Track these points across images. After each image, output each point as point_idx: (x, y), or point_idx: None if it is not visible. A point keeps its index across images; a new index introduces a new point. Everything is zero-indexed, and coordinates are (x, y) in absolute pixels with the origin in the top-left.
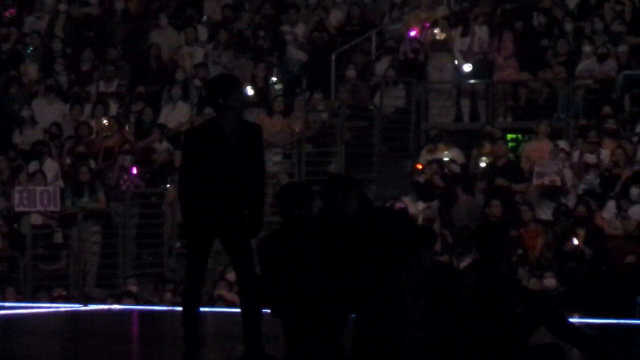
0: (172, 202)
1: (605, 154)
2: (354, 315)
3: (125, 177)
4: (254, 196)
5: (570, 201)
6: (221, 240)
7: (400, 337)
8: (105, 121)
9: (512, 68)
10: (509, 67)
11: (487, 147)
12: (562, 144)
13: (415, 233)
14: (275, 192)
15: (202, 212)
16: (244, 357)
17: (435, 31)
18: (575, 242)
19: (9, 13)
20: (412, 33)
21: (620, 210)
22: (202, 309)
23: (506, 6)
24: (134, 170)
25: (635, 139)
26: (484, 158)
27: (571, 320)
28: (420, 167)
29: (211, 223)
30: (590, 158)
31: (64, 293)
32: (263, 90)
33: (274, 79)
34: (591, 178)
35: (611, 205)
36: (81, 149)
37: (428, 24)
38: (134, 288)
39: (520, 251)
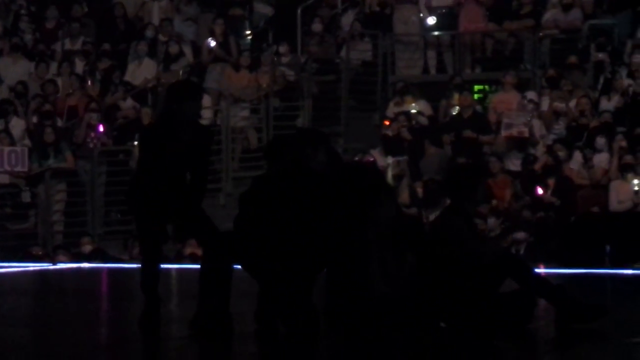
0: None
1: (572, 103)
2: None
3: (92, 134)
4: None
5: (539, 151)
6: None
7: (368, 291)
8: None
9: (482, 18)
10: (479, 17)
11: (457, 98)
12: (530, 94)
13: (370, 190)
14: (244, 148)
15: (151, 203)
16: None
17: None
18: (540, 191)
19: None
20: None
21: (587, 159)
22: (170, 266)
23: None
24: (101, 128)
25: (599, 87)
26: (457, 108)
27: (538, 270)
28: (387, 123)
29: (160, 212)
30: (560, 107)
31: (40, 252)
32: (224, 45)
33: (248, 32)
34: (560, 127)
35: (578, 155)
36: (48, 107)
37: None
38: (89, 247)
39: (494, 202)
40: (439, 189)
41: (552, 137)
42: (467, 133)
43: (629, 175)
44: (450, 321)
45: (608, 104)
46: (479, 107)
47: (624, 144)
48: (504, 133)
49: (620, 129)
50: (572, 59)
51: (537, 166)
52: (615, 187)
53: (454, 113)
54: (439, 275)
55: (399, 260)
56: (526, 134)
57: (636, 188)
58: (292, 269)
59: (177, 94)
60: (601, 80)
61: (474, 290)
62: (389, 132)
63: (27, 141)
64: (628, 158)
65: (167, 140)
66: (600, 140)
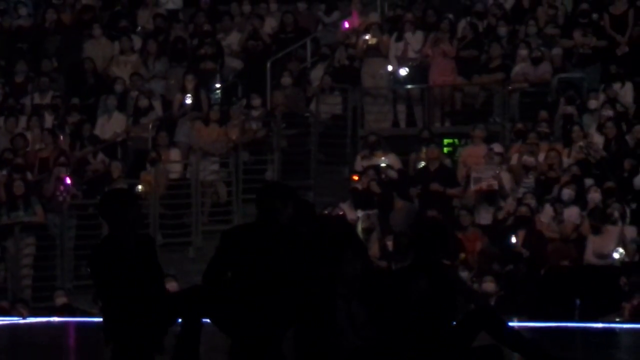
0: None
1: (541, 157)
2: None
3: (62, 188)
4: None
5: (509, 205)
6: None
7: (339, 344)
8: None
9: (451, 72)
10: (448, 71)
11: (424, 151)
12: (496, 146)
13: (335, 246)
14: (213, 201)
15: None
16: None
17: (367, 37)
18: (514, 239)
19: None
20: (346, 25)
21: (557, 213)
22: None
23: (446, 14)
24: (67, 180)
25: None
26: (422, 163)
27: (511, 324)
28: (356, 178)
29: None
30: (529, 161)
31: (7, 306)
32: (195, 99)
33: (218, 85)
34: (530, 181)
35: (548, 208)
36: (19, 161)
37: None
38: (62, 300)
39: (463, 255)
40: (409, 242)
41: (522, 190)
42: (434, 186)
43: (609, 227)
44: None
45: (571, 158)
46: (448, 161)
47: (597, 195)
48: (473, 187)
49: (589, 181)
50: (543, 113)
51: (508, 218)
52: (593, 241)
53: (419, 166)
54: (412, 327)
55: (368, 313)
56: (495, 187)
57: (617, 256)
58: (261, 322)
59: (116, 204)
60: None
61: (447, 344)
62: (359, 186)
63: None
64: (600, 212)
65: (116, 257)
66: (567, 192)
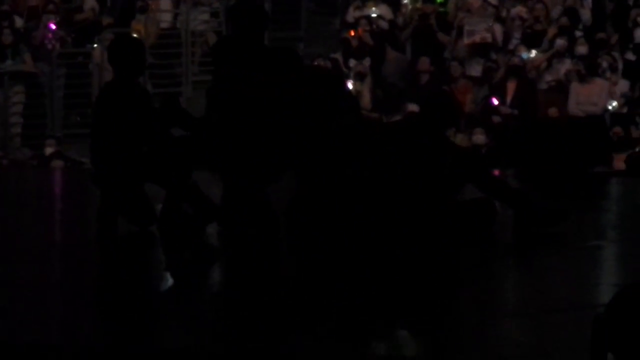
0: (99, 62)
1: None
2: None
3: (50, 35)
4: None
5: (501, 57)
6: None
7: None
8: None
9: None
10: None
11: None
12: None
13: (326, 99)
14: (204, 51)
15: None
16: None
17: None
18: (495, 102)
19: None
20: None
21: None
22: None
23: None
24: (52, 26)
25: None
26: (412, 12)
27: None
28: (352, 34)
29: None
30: (522, 11)
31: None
32: None
33: None
34: (519, 33)
35: (539, 56)
36: (5, 7)
37: None
38: (51, 149)
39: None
40: (399, 94)
41: (514, 41)
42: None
43: (596, 79)
44: (409, 229)
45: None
46: (441, 10)
47: (584, 48)
48: (466, 41)
49: (578, 33)
50: None
51: (499, 70)
52: (575, 90)
53: (415, 17)
54: (400, 180)
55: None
56: (489, 40)
57: (610, 108)
58: (252, 173)
59: (121, 52)
60: None
61: (434, 197)
62: (354, 42)
63: None
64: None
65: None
66: (560, 42)
